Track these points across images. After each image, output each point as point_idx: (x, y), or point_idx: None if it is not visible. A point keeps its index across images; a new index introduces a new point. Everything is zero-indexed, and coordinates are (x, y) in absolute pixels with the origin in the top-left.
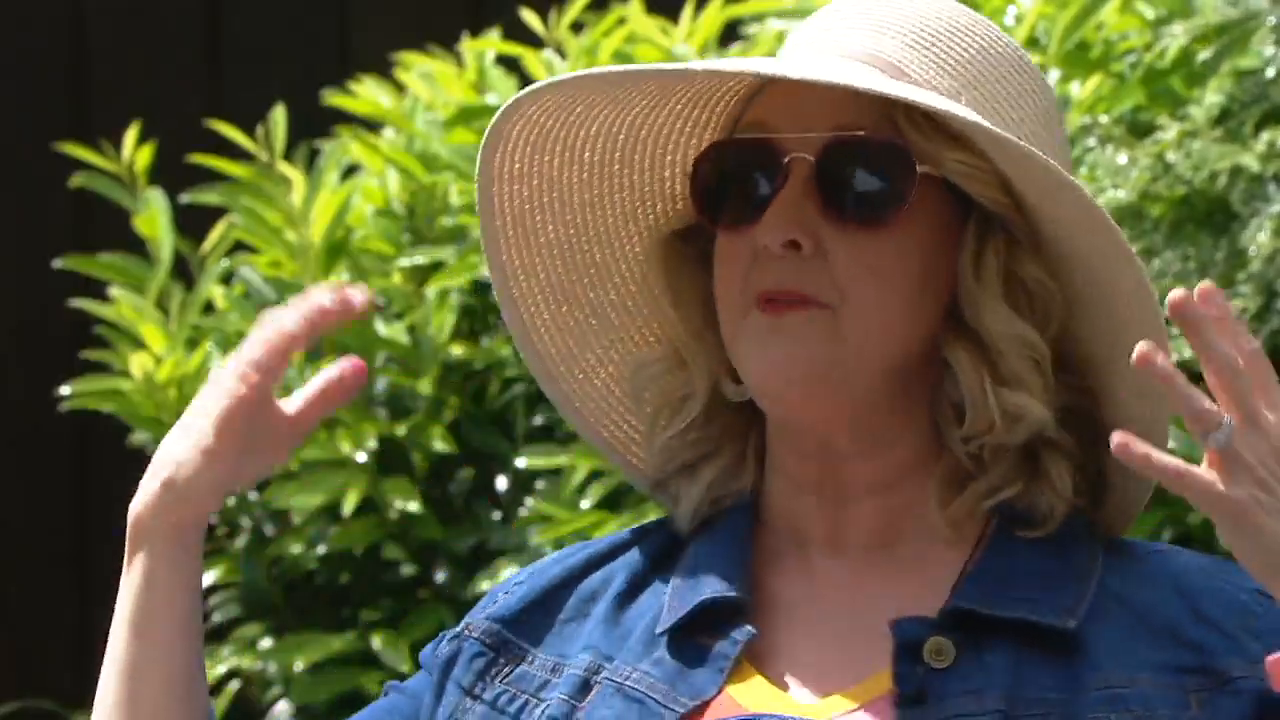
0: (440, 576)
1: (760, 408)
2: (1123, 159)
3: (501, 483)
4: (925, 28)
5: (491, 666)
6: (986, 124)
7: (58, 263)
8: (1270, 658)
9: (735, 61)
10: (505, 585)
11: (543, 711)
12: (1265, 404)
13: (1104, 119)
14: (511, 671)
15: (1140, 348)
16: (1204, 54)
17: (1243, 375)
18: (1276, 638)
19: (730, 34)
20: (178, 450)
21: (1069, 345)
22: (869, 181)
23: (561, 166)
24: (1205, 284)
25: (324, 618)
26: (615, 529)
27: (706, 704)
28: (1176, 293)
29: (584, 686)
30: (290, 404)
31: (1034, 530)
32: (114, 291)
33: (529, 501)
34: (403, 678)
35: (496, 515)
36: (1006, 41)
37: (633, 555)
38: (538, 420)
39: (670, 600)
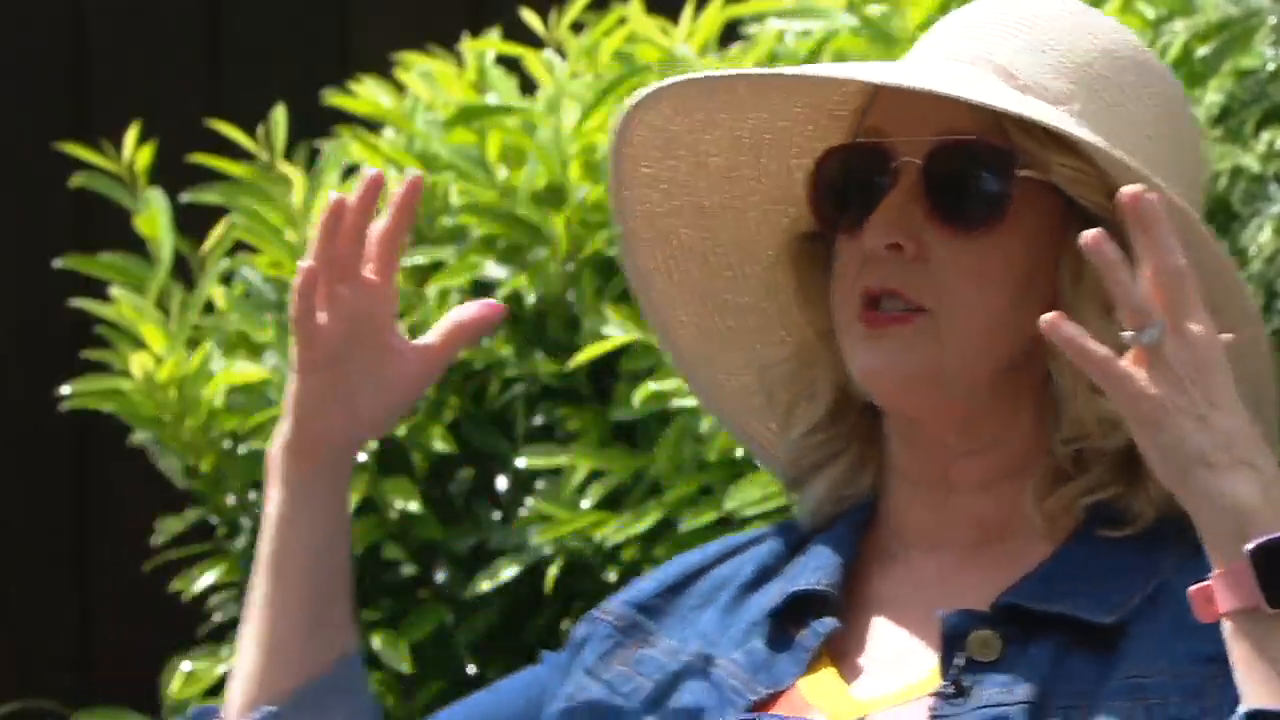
0: (440, 576)
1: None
2: None
3: (501, 483)
4: (1043, 30)
5: (617, 648)
6: (1088, 135)
7: (58, 262)
8: (1190, 589)
9: (842, 67)
10: (650, 573)
11: (645, 693)
12: (1193, 318)
13: None
14: (635, 654)
15: (1124, 192)
16: (1204, 52)
17: (1182, 284)
18: None
19: (731, 34)
20: (288, 383)
21: None
22: (974, 185)
23: (690, 171)
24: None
25: None
26: (615, 529)
27: (779, 694)
28: (1133, 188)
29: (684, 671)
30: (425, 337)
31: (1118, 530)
32: (114, 291)
33: (529, 501)
34: (402, 677)
35: (496, 515)
36: (1129, 41)
37: (764, 549)
38: (538, 420)
39: (772, 592)
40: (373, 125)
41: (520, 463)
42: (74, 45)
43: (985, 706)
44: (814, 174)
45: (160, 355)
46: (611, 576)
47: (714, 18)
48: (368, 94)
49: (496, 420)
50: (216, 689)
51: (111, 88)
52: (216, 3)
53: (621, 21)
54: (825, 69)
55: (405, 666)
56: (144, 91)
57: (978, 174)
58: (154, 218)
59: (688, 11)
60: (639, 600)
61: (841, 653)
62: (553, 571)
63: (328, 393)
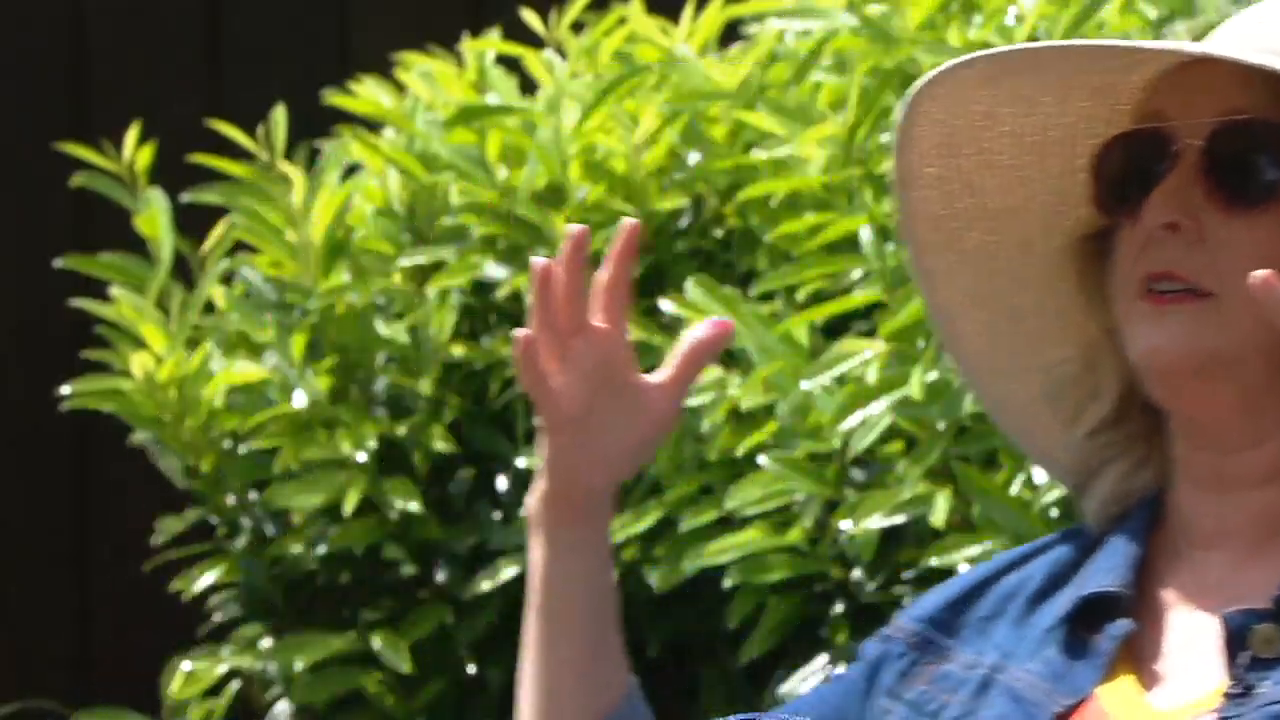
0: (441, 576)
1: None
2: None
3: (502, 483)
4: None
5: (914, 666)
6: None
7: (58, 262)
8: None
9: (1122, 43)
10: (934, 589)
11: (950, 711)
12: None
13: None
14: (934, 671)
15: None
16: None
17: None
18: None
19: (731, 34)
20: (539, 442)
21: None
22: (1255, 166)
23: (975, 169)
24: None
25: (324, 618)
26: (615, 528)
27: (1079, 704)
28: (1261, 274)
29: (984, 685)
30: (664, 366)
31: None
32: (114, 291)
33: (528, 502)
34: (402, 677)
35: (497, 515)
36: None
37: (1052, 556)
38: (538, 420)
39: (1064, 599)
40: (373, 125)
41: (521, 462)
42: (74, 45)
43: (1271, 704)
44: (1096, 163)
45: (160, 355)
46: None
47: (714, 17)
48: (368, 94)
49: (497, 420)
50: (216, 689)
51: (111, 88)
52: (216, 3)
53: (621, 21)
54: (1107, 44)
55: (406, 666)
56: (144, 91)
57: (1260, 154)
58: (154, 218)
59: (688, 11)
60: (927, 615)
61: (1137, 656)
62: None
63: (580, 445)
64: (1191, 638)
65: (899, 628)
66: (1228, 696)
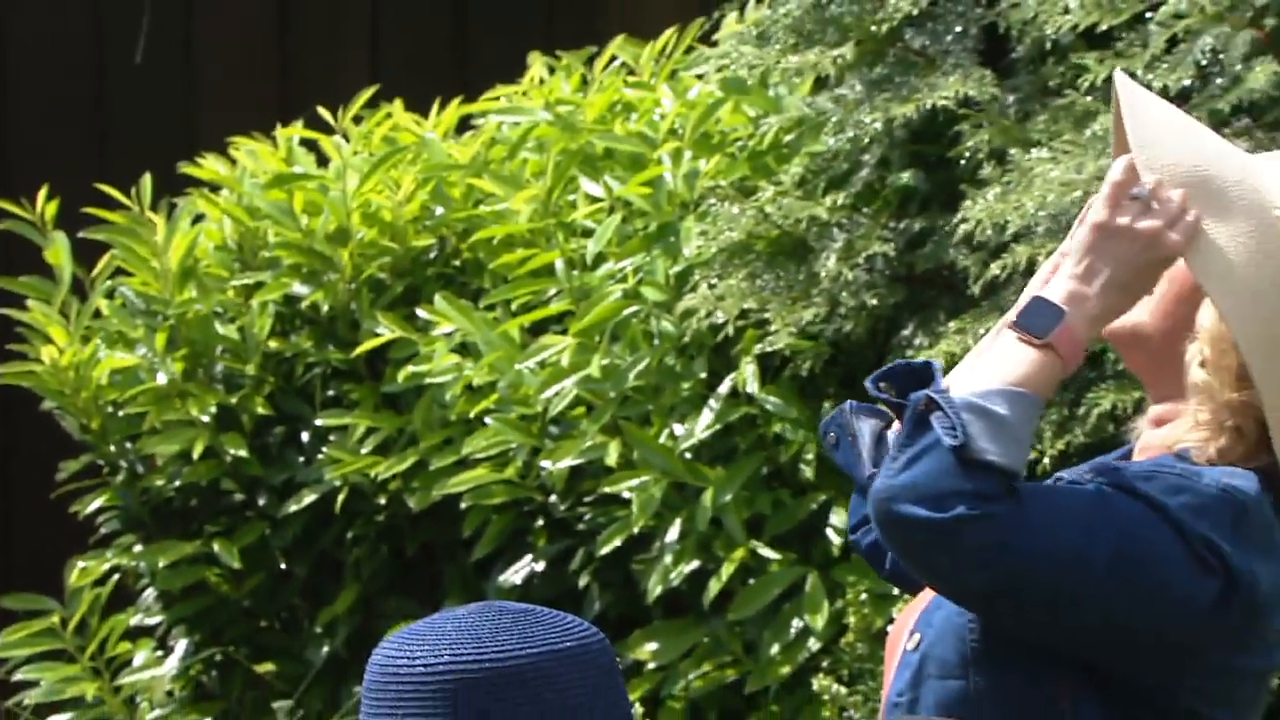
0: (261, 501)
1: None
2: (735, 211)
3: (304, 436)
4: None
5: None
6: None
7: None
8: None
9: None
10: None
11: None
12: None
13: (723, 184)
14: None
15: None
16: (789, 139)
17: None
18: None
19: (464, 125)
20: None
21: None
22: None
23: None
24: None
25: (178, 531)
26: (384, 468)
27: None
28: None
29: None
30: None
31: None
32: (30, 303)
33: (324, 449)
34: (234, 571)
35: (301, 459)
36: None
37: None
38: (330, 393)
39: None
40: (214, 187)
41: (318, 422)
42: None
43: None
44: None
45: (62, 348)
46: (381, 501)
47: (452, 114)
48: (210, 165)
49: (301, 393)
50: (103, 580)
51: (26, 157)
52: (102, 100)
53: (388, 115)
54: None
55: (236, 564)
56: (50, 161)
57: None
58: (58, 251)
59: (434, 109)
60: None
61: None
62: (340, 498)
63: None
64: None
65: None
66: None
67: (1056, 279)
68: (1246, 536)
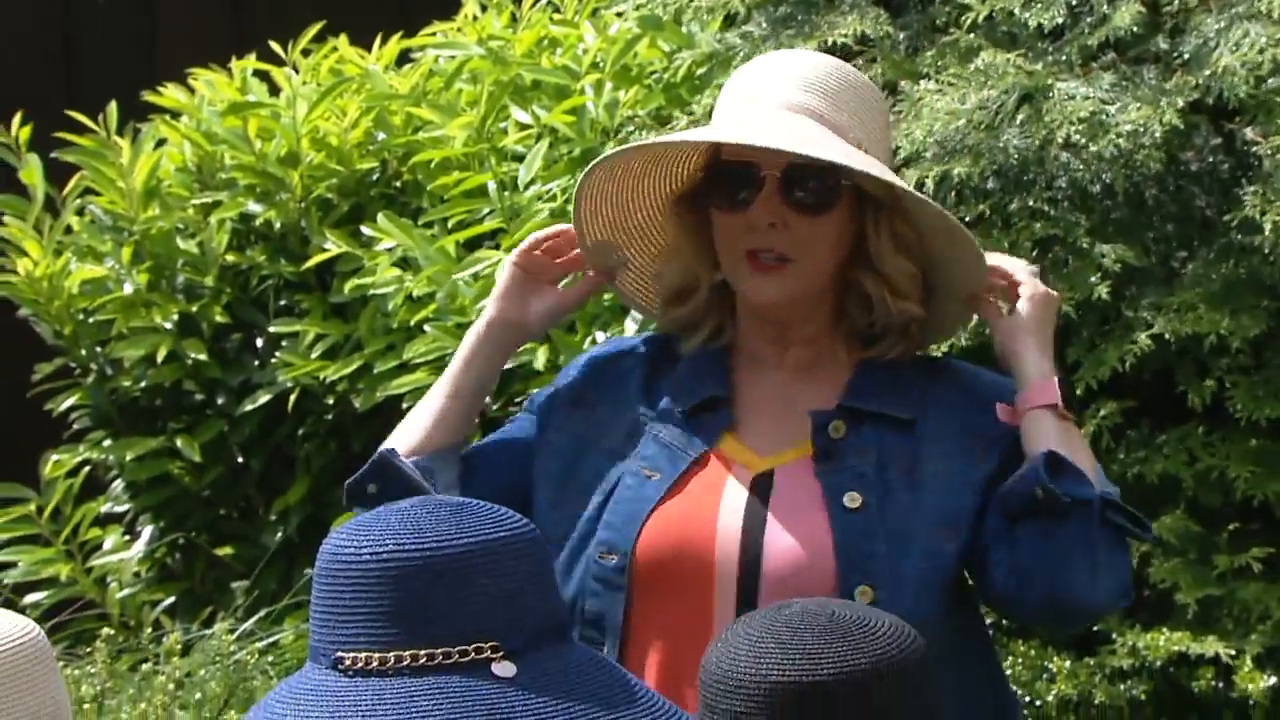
0: (220, 400)
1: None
2: (651, 138)
3: (259, 342)
4: (825, 81)
5: (574, 410)
6: (863, 169)
7: None
8: (997, 405)
9: (724, 132)
10: (572, 365)
11: (608, 444)
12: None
13: (640, 113)
14: (587, 416)
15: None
16: (701, 72)
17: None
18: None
19: (404, 58)
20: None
21: (923, 265)
22: (814, 188)
23: (610, 183)
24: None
25: (144, 427)
26: (332, 371)
27: (706, 455)
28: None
29: (634, 432)
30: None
31: (884, 359)
32: (7, 219)
33: (277, 354)
34: (195, 464)
35: (256, 362)
36: (861, 78)
37: (650, 350)
38: (283, 302)
39: (684, 389)
40: (175, 114)
41: (272, 329)
42: None
43: (849, 466)
44: (706, 176)
45: (37, 260)
46: (329, 401)
47: (393, 48)
48: (171, 94)
49: (255, 302)
50: (75, 471)
51: (1, 86)
52: (74, 45)
53: (334, 49)
54: (708, 135)
55: (197, 457)
56: (24, 91)
57: (816, 181)
58: (32, 172)
59: (377, 44)
60: (575, 381)
61: (736, 431)
62: (292, 398)
63: (524, 302)
64: (771, 424)
65: (559, 391)
66: (816, 456)
67: (1043, 364)
68: None
